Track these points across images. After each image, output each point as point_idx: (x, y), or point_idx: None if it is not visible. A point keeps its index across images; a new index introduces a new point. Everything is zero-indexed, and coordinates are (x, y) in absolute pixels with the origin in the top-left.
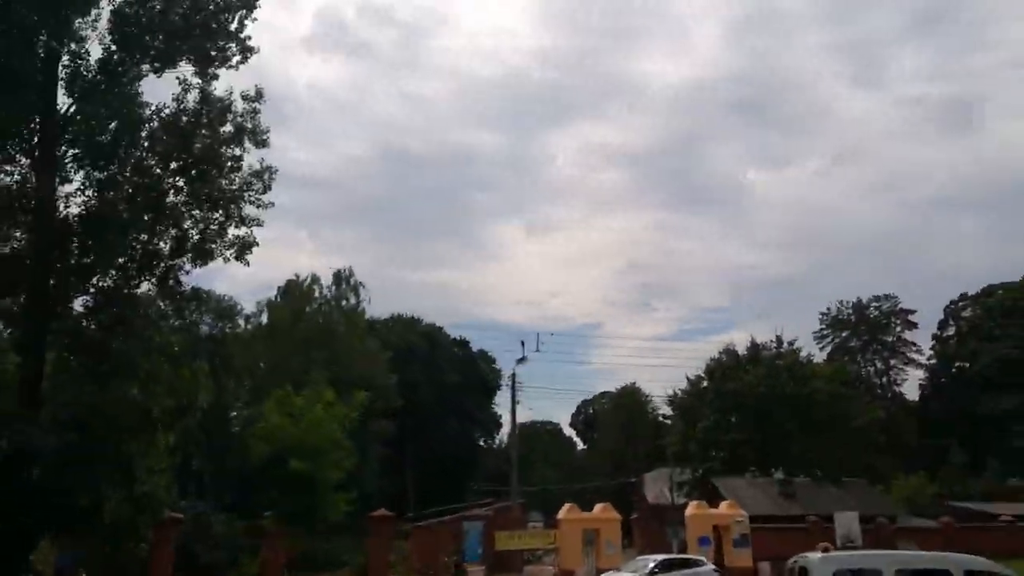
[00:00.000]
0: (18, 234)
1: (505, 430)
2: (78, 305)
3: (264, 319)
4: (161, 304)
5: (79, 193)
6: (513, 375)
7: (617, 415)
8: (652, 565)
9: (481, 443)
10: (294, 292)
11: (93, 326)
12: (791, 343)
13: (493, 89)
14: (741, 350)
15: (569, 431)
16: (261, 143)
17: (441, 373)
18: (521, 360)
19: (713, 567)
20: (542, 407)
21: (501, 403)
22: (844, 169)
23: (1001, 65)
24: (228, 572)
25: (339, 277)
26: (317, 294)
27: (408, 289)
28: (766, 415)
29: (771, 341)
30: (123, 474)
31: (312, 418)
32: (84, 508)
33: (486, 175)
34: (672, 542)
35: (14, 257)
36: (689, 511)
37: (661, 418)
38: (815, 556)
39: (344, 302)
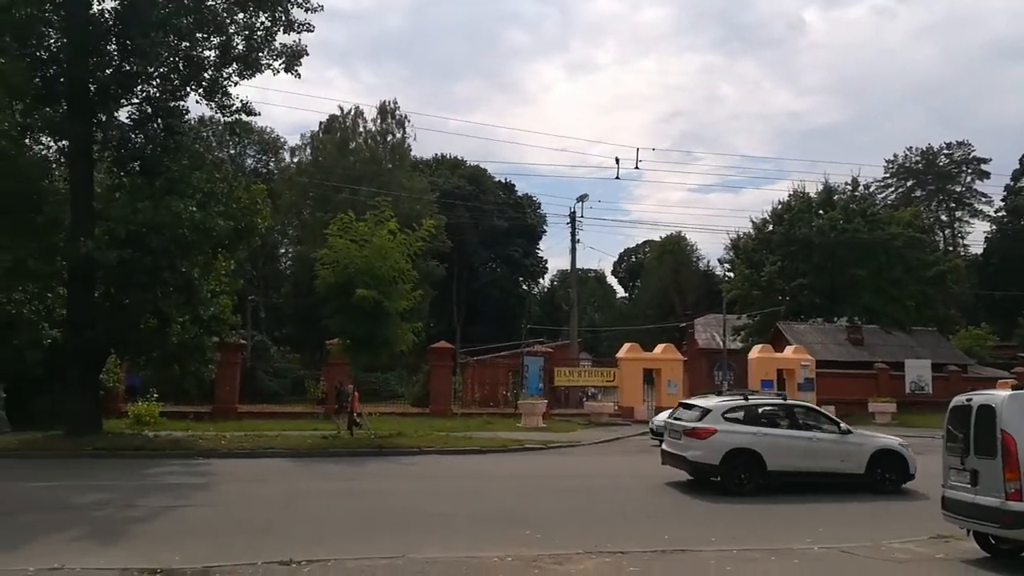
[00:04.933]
0: (52, 34)
1: (549, 276)
2: (123, 116)
3: (308, 154)
4: (207, 128)
5: None
6: (572, 213)
7: (663, 263)
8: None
9: (524, 287)
10: (338, 127)
11: (140, 138)
12: (867, 186)
13: None
14: (812, 194)
15: (611, 279)
16: None
17: (487, 216)
18: (582, 198)
19: None
20: (584, 256)
21: (545, 248)
22: (908, 7)
23: None
24: (289, 399)
25: (384, 110)
26: (361, 129)
27: (445, 133)
28: (836, 261)
29: (846, 184)
30: (186, 295)
31: (379, 243)
32: (151, 328)
33: (521, 9)
34: (721, 384)
35: (51, 60)
36: (753, 354)
37: (708, 265)
38: (1002, 393)
39: (390, 137)
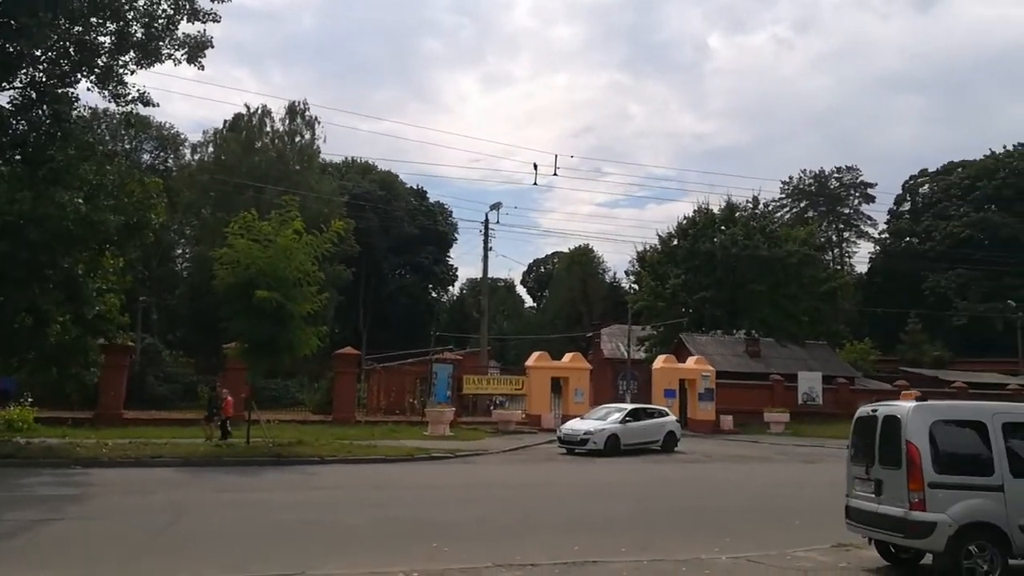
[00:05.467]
0: None
1: (459, 283)
2: (4, 101)
3: (211, 152)
4: (102, 120)
5: None
6: (486, 220)
7: (571, 274)
8: (618, 416)
9: (434, 295)
10: (243, 125)
11: (23, 125)
12: (766, 205)
13: None
14: (715, 210)
15: (520, 289)
16: None
17: (397, 222)
18: (495, 206)
19: (675, 418)
20: (494, 265)
21: (456, 257)
22: (805, 38)
23: None
24: (180, 405)
25: (293, 110)
26: (268, 128)
27: (358, 138)
28: (737, 276)
29: (747, 202)
30: (68, 292)
31: (283, 243)
32: (27, 327)
33: (438, 19)
34: (624, 394)
35: None
36: (657, 364)
37: (615, 277)
38: (906, 405)
39: (298, 138)
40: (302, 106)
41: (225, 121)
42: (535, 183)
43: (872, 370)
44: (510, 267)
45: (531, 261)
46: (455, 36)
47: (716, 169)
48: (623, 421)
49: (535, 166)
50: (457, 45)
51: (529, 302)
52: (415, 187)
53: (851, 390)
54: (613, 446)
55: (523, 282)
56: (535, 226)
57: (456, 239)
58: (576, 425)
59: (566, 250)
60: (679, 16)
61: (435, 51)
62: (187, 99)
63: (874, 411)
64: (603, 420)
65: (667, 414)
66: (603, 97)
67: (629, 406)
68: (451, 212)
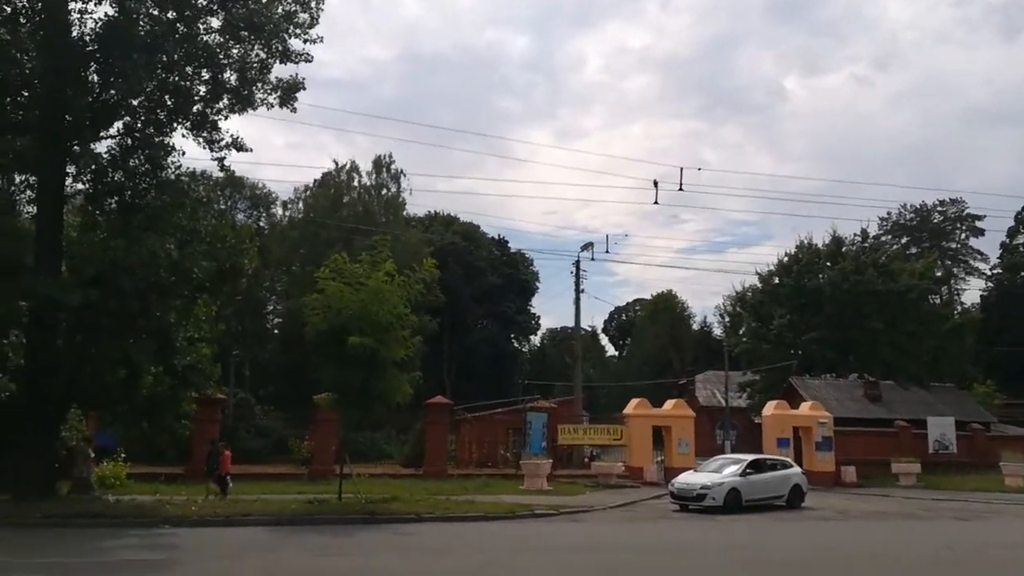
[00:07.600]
0: (26, 59)
1: (539, 333)
2: (102, 149)
3: (300, 208)
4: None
5: (95, 5)
6: (578, 262)
7: (656, 321)
8: (737, 468)
9: (516, 345)
10: (332, 182)
11: (120, 173)
12: (876, 237)
13: None
14: (820, 245)
15: (602, 338)
16: None
17: (480, 273)
18: (587, 246)
19: (800, 470)
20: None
21: (537, 305)
22: (885, 76)
23: None
24: (272, 459)
25: (379, 164)
26: (356, 183)
27: (437, 197)
28: (849, 313)
29: (855, 235)
30: (159, 342)
31: (375, 285)
32: (120, 380)
33: (513, 79)
34: (723, 443)
35: (24, 86)
36: (768, 411)
37: (706, 322)
38: None
39: (384, 191)
40: (387, 160)
41: (314, 180)
42: (656, 202)
43: (998, 414)
44: (592, 315)
45: (611, 309)
46: (529, 94)
47: (798, 211)
48: (743, 474)
49: (655, 183)
50: (531, 102)
51: (611, 351)
52: (496, 237)
53: (988, 437)
54: (734, 502)
55: (604, 331)
56: (613, 276)
57: (538, 288)
58: (691, 479)
59: (648, 297)
60: (752, 62)
61: (510, 109)
62: (276, 167)
63: None
64: (719, 473)
65: (791, 465)
66: (678, 145)
67: (749, 456)
68: (532, 261)
